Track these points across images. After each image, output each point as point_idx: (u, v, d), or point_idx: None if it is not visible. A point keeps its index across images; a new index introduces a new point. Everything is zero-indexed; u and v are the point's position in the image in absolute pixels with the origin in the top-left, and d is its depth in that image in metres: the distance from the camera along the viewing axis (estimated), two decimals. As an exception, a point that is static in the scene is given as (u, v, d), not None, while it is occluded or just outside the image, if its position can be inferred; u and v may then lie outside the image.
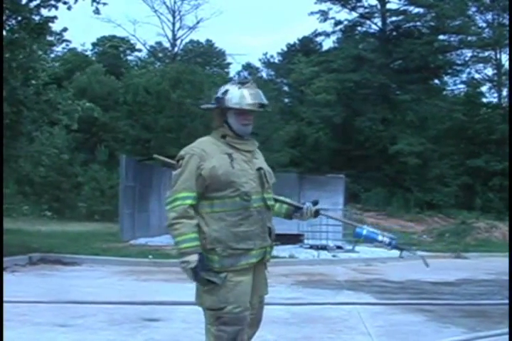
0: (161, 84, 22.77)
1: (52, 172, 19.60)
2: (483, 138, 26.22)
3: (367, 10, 30.08)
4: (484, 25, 30.19)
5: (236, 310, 2.89)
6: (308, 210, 3.24)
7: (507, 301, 6.01)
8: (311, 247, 13.11)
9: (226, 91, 3.02)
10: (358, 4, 29.92)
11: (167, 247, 11.76)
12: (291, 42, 38.66)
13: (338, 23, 30.16)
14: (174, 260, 9.70)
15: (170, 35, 34.08)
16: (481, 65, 30.84)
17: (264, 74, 39.39)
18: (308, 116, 29.13)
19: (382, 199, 24.37)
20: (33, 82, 10.97)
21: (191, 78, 22.76)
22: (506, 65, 28.85)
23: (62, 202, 19.95)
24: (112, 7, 13.10)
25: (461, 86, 31.67)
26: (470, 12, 29.79)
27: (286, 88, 37.55)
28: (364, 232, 3.32)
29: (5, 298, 5.28)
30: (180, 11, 33.78)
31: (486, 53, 30.00)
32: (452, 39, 29.68)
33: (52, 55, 23.03)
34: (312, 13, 30.03)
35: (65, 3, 10.50)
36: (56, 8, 10.52)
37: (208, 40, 38.74)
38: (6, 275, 7.78)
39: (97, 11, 10.89)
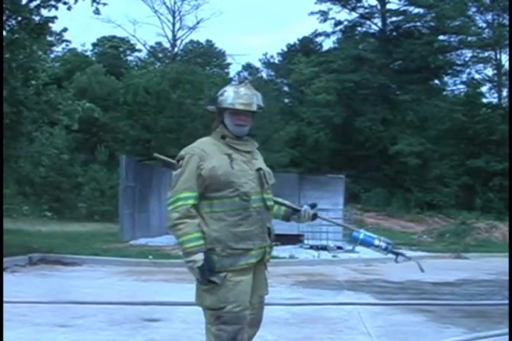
0: (161, 85, 22.79)
1: (53, 172, 19.60)
2: (483, 139, 26.23)
3: (367, 10, 30.13)
4: (484, 25, 30.30)
5: (236, 309, 2.89)
6: (306, 213, 3.26)
7: (507, 301, 6.01)
8: (311, 247, 13.11)
9: (223, 92, 3.05)
10: (358, 4, 29.98)
11: (167, 247, 11.78)
12: (291, 43, 38.79)
13: (338, 23, 30.28)
14: (174, 260, 9.78)
15: (170, 35, 34.16)
16: (481, 65, 30.91)
17: (264, 74, 39.45)
18: (309, 116, 29.13)
19: (382, 200, 24.37)
20: (33, 82, 10.99)
21: (191, 78, 22.77)
22: (506, 65, 28.93)
23: (62, 203, 19.93)
24: (112, 7, 13.10)
25: (461, 86, 31.77)
26: (470, 12, 29.85)
27: (286, 88, 37.57)
28: (361, 236, 3.34)
29: (5, 299, 5.28)
30: (180, 11, 33.87)
31: (486, 53, 30.04)
32: (452, 39, 29.72)
33: (52, 55, 23.04)
34: (312, 13, 30.17)
35: (65, 3, 10.50)
36: (56, 8, 10.52)
37: (207, 41, 38.82)
38: (6, 276, 7.77)
39: (97, 11, 10.89)
